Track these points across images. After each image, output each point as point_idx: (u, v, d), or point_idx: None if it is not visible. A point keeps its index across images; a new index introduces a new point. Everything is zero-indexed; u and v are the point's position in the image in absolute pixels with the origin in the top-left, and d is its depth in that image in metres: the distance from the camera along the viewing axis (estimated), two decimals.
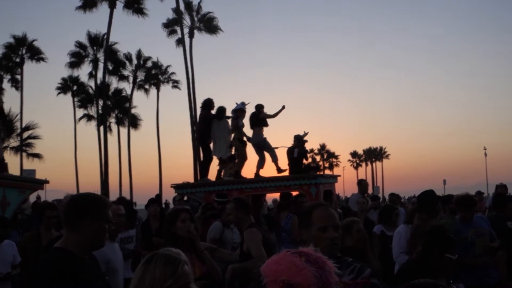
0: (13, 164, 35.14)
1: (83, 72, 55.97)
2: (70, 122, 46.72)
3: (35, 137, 37.95)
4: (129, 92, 46.42)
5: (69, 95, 46.75)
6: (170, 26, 41.74)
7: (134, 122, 47.13)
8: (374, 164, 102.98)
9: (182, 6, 38.56)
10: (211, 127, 10.67)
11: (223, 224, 6.67)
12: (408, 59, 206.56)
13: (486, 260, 5.35)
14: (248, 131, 10.93)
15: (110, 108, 44.85)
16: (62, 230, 2.84)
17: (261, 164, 10.86)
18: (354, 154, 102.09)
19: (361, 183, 10.58)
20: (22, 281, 5.67)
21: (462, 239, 5.31)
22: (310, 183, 9.76)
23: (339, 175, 12.91)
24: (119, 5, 38.53)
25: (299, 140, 10.97)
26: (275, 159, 10.82)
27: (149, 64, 47.11)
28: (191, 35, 39.97)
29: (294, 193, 9.72)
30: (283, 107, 11.16)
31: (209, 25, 41.26)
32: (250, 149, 11.03)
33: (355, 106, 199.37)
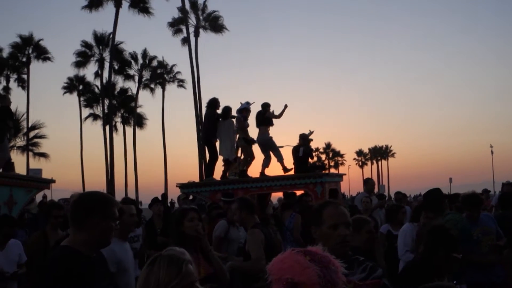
0: (20, 163, 35.36)
1: (89, 72, 56.02)
2: (76, 121, 46.86)
3: (41, 137, 38.17)
4: (134, 91, 46.55)
5: (75, 94, 46.92)
6: (176, 25, 41.77)
7: (139, 121, 47.21)
8: (379, 163, 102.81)
9: (187, 5, 38.71)
10: (216, 127, 10.68)
11: (228, 223, 6.68)
12: (413, 57, 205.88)
13: (493, 258, 5.32)
14: (253, 129, 10.96)
15: (116, 108, 44.95)
16: (69, 230, 2.84)
17: (266, 163, 10.86)
18: (359, 153, 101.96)
19: (368, 182, 10.56)
20: (28, 281, 5.69)
21: (468, 237, 5.29)
22: (316, 182, 9.77)
23: (345, 174, 12.92)
24: (125, 4, 38.66)
25: (305, 139, 10.97)
26: (280, 159, 10.83)
27: (154, 63, 47.18)
28: (196, 34, 40.02)
29: (299, 193, 9.74)
30: (286, 106, 11.17)
31: (215, 24, 41.30)
32: (255, 148, 11.04)
33: (361, 104, 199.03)
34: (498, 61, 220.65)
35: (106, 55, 42.53)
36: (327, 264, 1.67)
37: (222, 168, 10.99)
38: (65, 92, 46.72)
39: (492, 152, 64.28)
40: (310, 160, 11.37)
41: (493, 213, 8.70)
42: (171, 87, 50.83)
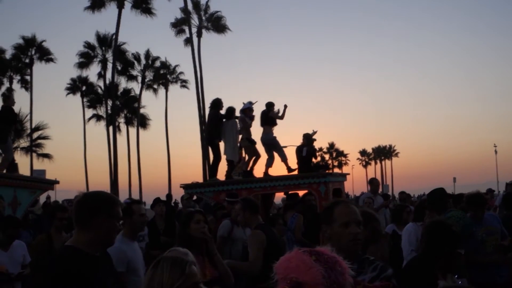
0: (23, 164, 35.57)
1: (92, 73, 56.12)
2: (80, 122, 46.79)
3: (44, 138, 38.23)
4: (137, 92, 46.64)
5: (78, 95, 46.98)
6: (178, 25, 41.79)
7: (143, 122, 47.29)
8: (383, 163, 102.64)
9: (190, 6, 38.69)
10: (220, 127, 10.68)
11: (232, 222, 6.68)
12: (417, 56, 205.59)
13: (497, 258, 5.31)
14: (257, 129, 10.94)
15: (119, 108, 45.05)
16: (73, 231, 2.84)
17: (270, 163, 10.85)
18: (363, 153, 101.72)
19: (373, 182, 10.54)
20: (33, 282, 5.70)
21: (472, 237, 5.28)
22: (319, 182, 9.75)
23: (348, 174, 12.90)
24: (127, 5, 38.65)
25: (308, 139, 10.96)
26: (284, 159, 10.82)
27: (157, 64, 47.31)
28: (199, 35, 40.02)
29: (301, 193, 9.73)
30: (286, 107, 11.13)
31: (217, 24, 41.31)
32: (259, 147, 11.04)
33: (364, 104, 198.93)
34: (502, 60, 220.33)
35: (109, 56, 42.61)
36: (333, 265, 1.67)
37: (226, 168, 10.99)
38: (68, 93, 46.85)
39: (496, 152, 64.21)
40: (313, 160, 11.36)
41: (497, 213, 8.66)
42: (174, 88, 50.95)
